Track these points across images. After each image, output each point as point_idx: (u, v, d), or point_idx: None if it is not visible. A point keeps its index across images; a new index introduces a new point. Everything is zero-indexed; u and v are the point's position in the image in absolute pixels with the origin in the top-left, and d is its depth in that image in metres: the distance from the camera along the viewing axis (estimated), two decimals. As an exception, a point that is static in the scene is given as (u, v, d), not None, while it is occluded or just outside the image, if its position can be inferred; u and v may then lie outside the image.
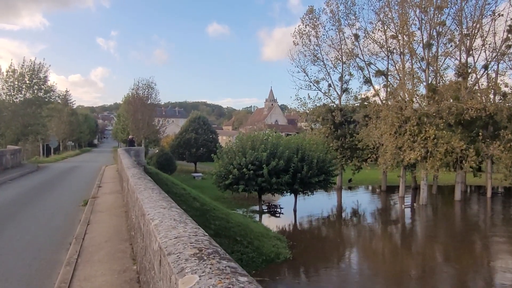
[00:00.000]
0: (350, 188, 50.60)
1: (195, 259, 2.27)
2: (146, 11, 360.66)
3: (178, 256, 2.42)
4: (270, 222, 30.85)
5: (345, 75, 48.75)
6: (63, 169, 27.75)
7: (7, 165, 24.60)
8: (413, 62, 39.97)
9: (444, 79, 42.29)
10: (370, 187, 52.22)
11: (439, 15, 37.85)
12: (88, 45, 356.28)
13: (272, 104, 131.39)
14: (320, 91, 49.54)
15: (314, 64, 49.29)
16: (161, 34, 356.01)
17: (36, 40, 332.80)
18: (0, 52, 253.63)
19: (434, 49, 39.31)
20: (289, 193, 33.29)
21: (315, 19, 48.29)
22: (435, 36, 38.97)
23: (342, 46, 48.00)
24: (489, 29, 39.72)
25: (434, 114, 35.60)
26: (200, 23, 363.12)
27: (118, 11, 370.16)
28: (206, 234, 2.99)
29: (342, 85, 49.16)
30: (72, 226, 9.45)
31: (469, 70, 39.91)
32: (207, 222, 19.58)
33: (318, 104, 49.49)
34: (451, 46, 39.38)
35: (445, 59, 39.98)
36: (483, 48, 40.45)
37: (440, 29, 38.47)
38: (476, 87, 40.65)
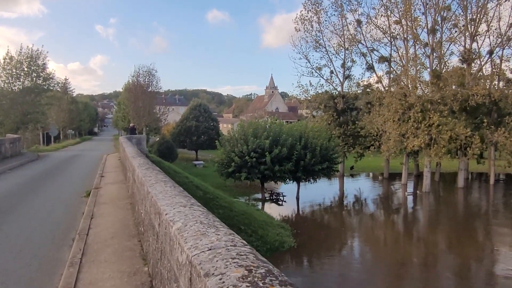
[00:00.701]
0: (352, 175, 50.42)
1: (248, 286, 1.72)
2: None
3: (221, 279, 1.85)
4: (272, 210, 30.71)
5: (347, 62, 48.25)
6: (64, 158, 27.28)
7: (7, 154, 24.21)
8: (417, 48, 39.45)
9: (448, 65, 41.81)
10: (371, 175, 52.03)
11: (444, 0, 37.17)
12: (87, 33, 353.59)
13: (272, 92, 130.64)
14: (322, 77, 49.11)
15: (316, 51, 48.70)
16: (160, 21, 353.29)
17: (34, 27, 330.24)
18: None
19: (438, 34, 38.71)
20: (292, 181, 33.05)
21: (317, 5, 47.56)
22: (440, 22, 38.32)
23: (345, 32, 47.43)
24: (493, 14, 39.06)
25: (439, 100, 35.18)
26: (200, 10, 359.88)
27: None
28: (246, 243, 2.57)
29: (344, 72, 48.66)
30: (75, 219, 8.95)
31: (474, 56, 39.35)
32: (210, 211, 19.35)
33: (320, 91, 49.11)
34: (456, 31, 38.71)
35: (450, 45, 39.35)
36: (488, 33, 39.84)
37: (445, 14, 37.79)
38: (481, 73, 40.13)
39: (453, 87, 36.34)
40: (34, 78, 33.99)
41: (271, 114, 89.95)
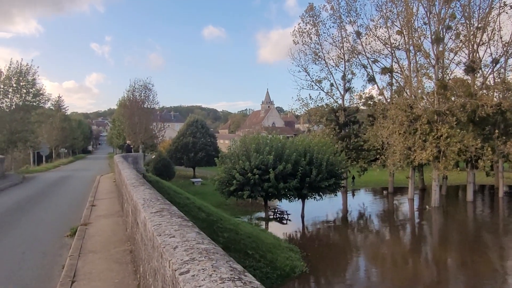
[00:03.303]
0: (353, 190, 48.78)
1: None
2: (140, 15, 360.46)
3: None
4: (277, 230, 28.96)
5: (347, 74, 47.20)
6: (52, 180, 24.85)
7: None
8: (420, 58, 38.42)
9: (451, 75, 40.75)
10: (374, 189, 50.38)
11: (447, 9, 36.23)
12: (82, 51, 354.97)
13: (268, 107, 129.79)
14: (323, 90, 47.96)
15: (315, 63, 47.71)
16: (156, 38, 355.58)
17: (29, 47, 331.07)
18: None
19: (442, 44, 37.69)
20: (297, 199, 31.36)
21: (315, 17, 46.74)
22: (443, 31, 37.35)
23: (344, 43, 46.51)
24: (495, 23, 38.12)
25: (448, 111, 33.92)
26: (195, 26, 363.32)
27: (112, 16, 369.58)
28: None
29: (345, 84, 47.55)
30: (49, 280, 6.32)
31: (478, 66, 38.30)
32: (215, 235, 17.69)
33: (320, 104, 47.91)
34: (460, 41, 37.70)
35: (454, 55, 38.27)
36: (490, 43, 38.91)
37: (449, 23, 36.87)
38: (488, 83, 39.05)
39: (459, 97, 35.07)
40: (24, 95, 32.01)
41: (267, 129, 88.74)
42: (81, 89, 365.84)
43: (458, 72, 40.73)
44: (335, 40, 46.83)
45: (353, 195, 46.93)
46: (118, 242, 7.58)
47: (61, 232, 9.61)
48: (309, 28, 46.68)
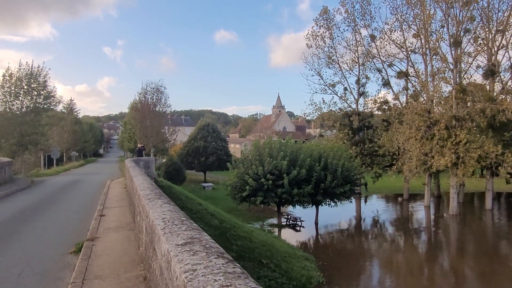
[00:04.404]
0: (366, 196, 47.64)
1: None
2: (152, 19, 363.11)
3: None
4: (290, 237, 28.15)
5: (362, 78, 46.33)
6: (61, 184, 24.04)
7: None
8: (437, 61, 37.41)
9: (469, 79, 39.59)
10: (387, 196, 49.21)
11: (467, 11, 35.21)
12: (95, 55, 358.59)
13: (279, 111, 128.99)
14: (336, 94, 47.08)
15: (329, 67, 46.91)
16: (168, 42, 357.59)
17: (43, 51, 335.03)
18: (5, 63, 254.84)
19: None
20: (311, 205, 30.51)
21: (329, 20, 46.00)
22: (462, 34, 36.31)
23: (359, 47, 45.70)
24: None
25: (468, 116, 32.85)
26: (207, 31, 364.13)
27: (125, 20, 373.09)
28: None
29: (359, 88, 46.65)
30: None
31: (498, 70, 37.11)
32: (228, 243, 17.00)
33: (333, 109, 47.05)
34: (479, 44, 36.60)
35: (473, 59, 37.17)
36: (508, 47, 37.67)
37: (468, 26, 35.83)
38: (509, 86, 37.79)
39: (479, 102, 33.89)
40: (35, 97, 31.64)
41: (278, 133, 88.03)
42: (93, 92, 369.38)
43: (476, 76, 39.32)
44: (349, 44, 46.09)
45: (365, 201, 45.84)
46: (129, 265, 6.51)
47: (65, 247, 8.61)
48: (323, 32, 45.98)
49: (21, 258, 7.85)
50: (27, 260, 7.70)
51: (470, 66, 37.62)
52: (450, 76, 35.57)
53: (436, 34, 36.17)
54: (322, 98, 55.49)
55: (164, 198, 5.17)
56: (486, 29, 36.28)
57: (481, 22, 36.02)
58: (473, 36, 36.96)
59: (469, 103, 34.87)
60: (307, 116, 50.61)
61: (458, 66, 36.55)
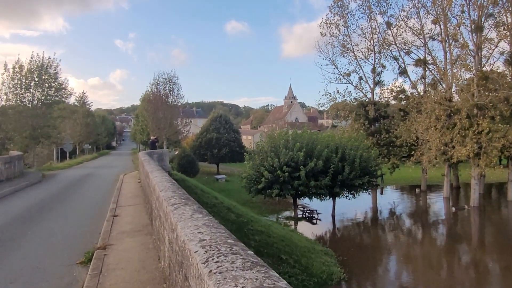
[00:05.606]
0: (382, 188, 46.58)
1: None
2: (163, 11, 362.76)
3: None
4: (307, 230, 27.45)
5: (377, 67, 45.07)
6: (73, 179, 23.30)
7: (1, 178, 19.95)
8: (456, 48, 36.02)
9: (491, 67, 38.14)
10: (402, 187, 48.11)
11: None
12: (107, 48, 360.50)
13: (291, 102, 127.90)
14: (351, 84, 45.96)
15: (343, 56, 45.79)
16: (179, 34, 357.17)
17: (55, 44, 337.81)
18: (17, 57, 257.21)
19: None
20: (328, 197, 29.75)
21: (344, 8, 44.78)
22: (483, 19, 34.85)
23: (374, 35, 44.43)
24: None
25: (491, 104, 31.61)
26: (218, 22, 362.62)
27: (137, 12, 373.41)
28: None
29: (374, 77, 45.42)
30: None
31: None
32: (246, 238, 16.40)
33: (348, 99, 45.95)
34: (503, 29, 35.09)
35: (495, 46, 35.70)
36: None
37: (491, 10, 34.35)
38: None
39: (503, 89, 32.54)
40: (46, 89, 31.18)
41: (290, 124, 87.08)
42: (105, 85, 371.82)
43: (498, 63, 37.76)
44: (364, 32, 44.88)
45: (382, 192, 44.85)
46: (149, 284, 5.29)
47: (72, 255, 7.56)
48: (337, 19, 44.80)
49: (22, 270, 6.91)
50: (28, 273, 6.73)
51: (492, 53, 36.12)
52: (472, 63, 34.19)
53: (457, 19, 34.76)
54: (336, 88, 54.45)
55: (192, 202, 4.06)
56: (509, 14, 34.78)
57: (505, 4, 34.43)
58: (496, 21, 35.52)
59: (489, 93, 33.61)
60: (321, 106, 49.70)
61: (480, 53, 35.18)
